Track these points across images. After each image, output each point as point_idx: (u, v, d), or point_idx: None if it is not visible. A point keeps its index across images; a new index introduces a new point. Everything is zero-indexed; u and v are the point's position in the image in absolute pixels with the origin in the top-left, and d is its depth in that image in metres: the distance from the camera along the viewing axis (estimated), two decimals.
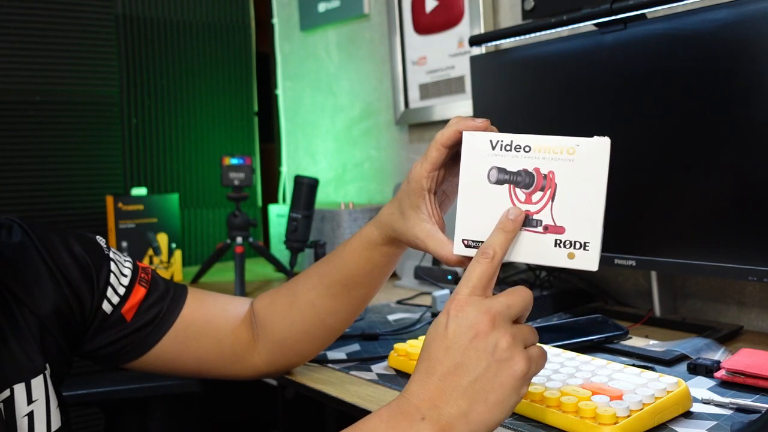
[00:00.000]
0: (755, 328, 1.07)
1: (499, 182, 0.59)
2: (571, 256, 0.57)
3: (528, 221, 0.59)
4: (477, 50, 1.41)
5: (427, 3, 1.62)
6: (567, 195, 0.57)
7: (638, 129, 1.00)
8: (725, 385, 0.79)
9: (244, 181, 1.60)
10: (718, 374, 0.80)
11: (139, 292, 0.82)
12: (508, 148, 0.59)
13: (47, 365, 0.73)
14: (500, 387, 0.52)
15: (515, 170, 0.59)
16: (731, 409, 0.72)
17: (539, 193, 0.58)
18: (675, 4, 0.95)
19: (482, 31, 1.47)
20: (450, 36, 1.57)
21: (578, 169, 0.56)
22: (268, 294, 0.89)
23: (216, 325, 0.86)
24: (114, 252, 0.83)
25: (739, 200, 0.90)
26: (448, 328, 0.54)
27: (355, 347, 1.02)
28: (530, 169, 0.58)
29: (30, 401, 0.72)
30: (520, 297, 0.56)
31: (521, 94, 1.18)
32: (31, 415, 0.72)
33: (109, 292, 0.80)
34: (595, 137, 0.56)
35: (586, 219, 0.56)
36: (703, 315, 1.14)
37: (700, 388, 0.78)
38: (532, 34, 1.15)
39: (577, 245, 0.56)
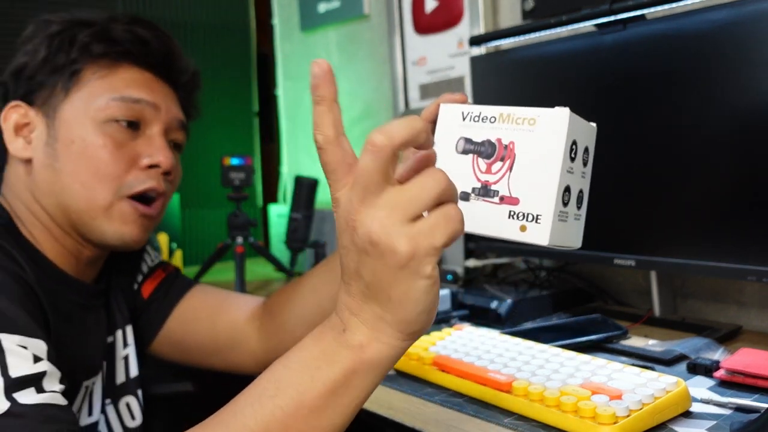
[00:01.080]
0: (754, 327, 1.07)
1: (465, 152, 0.59)
2: (523, 228, 0.55)
3: (486, 191, 0.58)
4: (477, 50, 1.41)
5: (427, 3, 1.62)
6: (524, 166, 0.55)
7: (638, 129, 1.00)
8: (724, 384, 0.79)
9: (244, 181, 1.60)
10: (717, 374, 0.80)
11: (159, 276, 0.98)
12: (476, 119, 0.59)
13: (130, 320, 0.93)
14: (394, 281, 0.44)
15: (480, 140, 0.58)
16: (730, 408, 0.72)
17: (499, 164, 0.57)
18: (674, 5, 0.95)
19: (482, 31, 1.47)
20: (450, 36, 1.57)
21: (537, 140, 0.55)
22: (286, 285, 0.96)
23: (213, 311, 0.95)
24: (149, 248, 1.01)
25: (739, 200, 0.90)
26: (336, 227, 0.48)
27: None
28: (493, 140, 0.57)
29: (125, 345, 0.91)
30: (369, 152, 0.44)
31: (521, 94, 1.18)
32: (126, 359, 0.91)
33: (138, 274, 0.96)
34: (556, 107, 0.55)
35: (541, 191, 0.54)
36: (702, 315, 1.14)
37: (700, 387, 0.78)
38: (532, 35, 1.15)
39: (530, 217, 0.54)
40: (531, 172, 0.55)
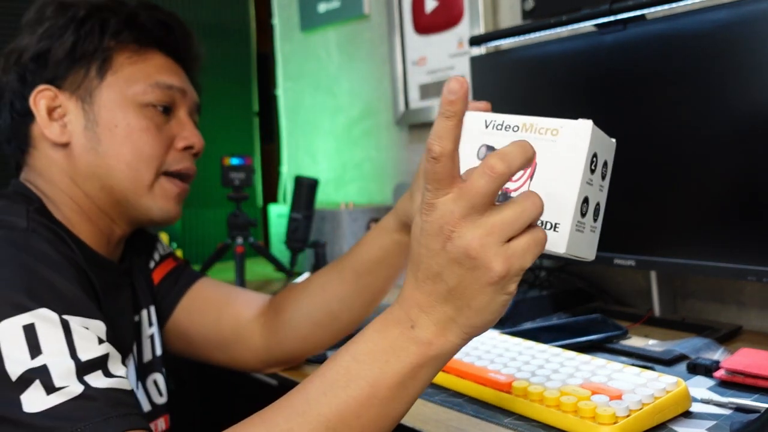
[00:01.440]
0: (754, 327, 1.07)
1: None
2: None
3: (506, 199, 0.58)
4: (477, 50, 1.41)
5: (427, 3, 1.62)
6: (545, 175, 0.56)
7: (638, 129, 1.00)
8: (724, 384, 0.79)
9: (244, 181, 1.60)
10: (717, 374, 0.80)
11: (170, 264, 0.99)
12: (499, 127, 0.60)
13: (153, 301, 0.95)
14: (480, 293, 0.48)
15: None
16: (730, 408, 0.72)
17: (520, 172, 0.57)
18: (674, 5, 0.95)
19: (482, 31, 1.47)
20: (450, 36, 1.57)
21: (558, 151, 0.56)
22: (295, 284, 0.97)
23: (219, 304, 0.96)
24: (161, 240, 1.03)
25: (739, 200, 0.90)
26: (423, 229, 0.50)
27: None
28: None
29: (150, 324, 0.93)
30: (487, 176, 0.47)
31: (521, 94, 1.18)
32: (152, 337, 0.93)
33: (151, 260, 0.98)
34: (580, 120, 0.56)
35: (560, 200, 0.55)
36: (702, 315, 1.14)
37: (700, 387, 0.78)
38: (532, 35, 1.15)
39: (548, 226, 0.55)
40: (551, 182, 0.56)
